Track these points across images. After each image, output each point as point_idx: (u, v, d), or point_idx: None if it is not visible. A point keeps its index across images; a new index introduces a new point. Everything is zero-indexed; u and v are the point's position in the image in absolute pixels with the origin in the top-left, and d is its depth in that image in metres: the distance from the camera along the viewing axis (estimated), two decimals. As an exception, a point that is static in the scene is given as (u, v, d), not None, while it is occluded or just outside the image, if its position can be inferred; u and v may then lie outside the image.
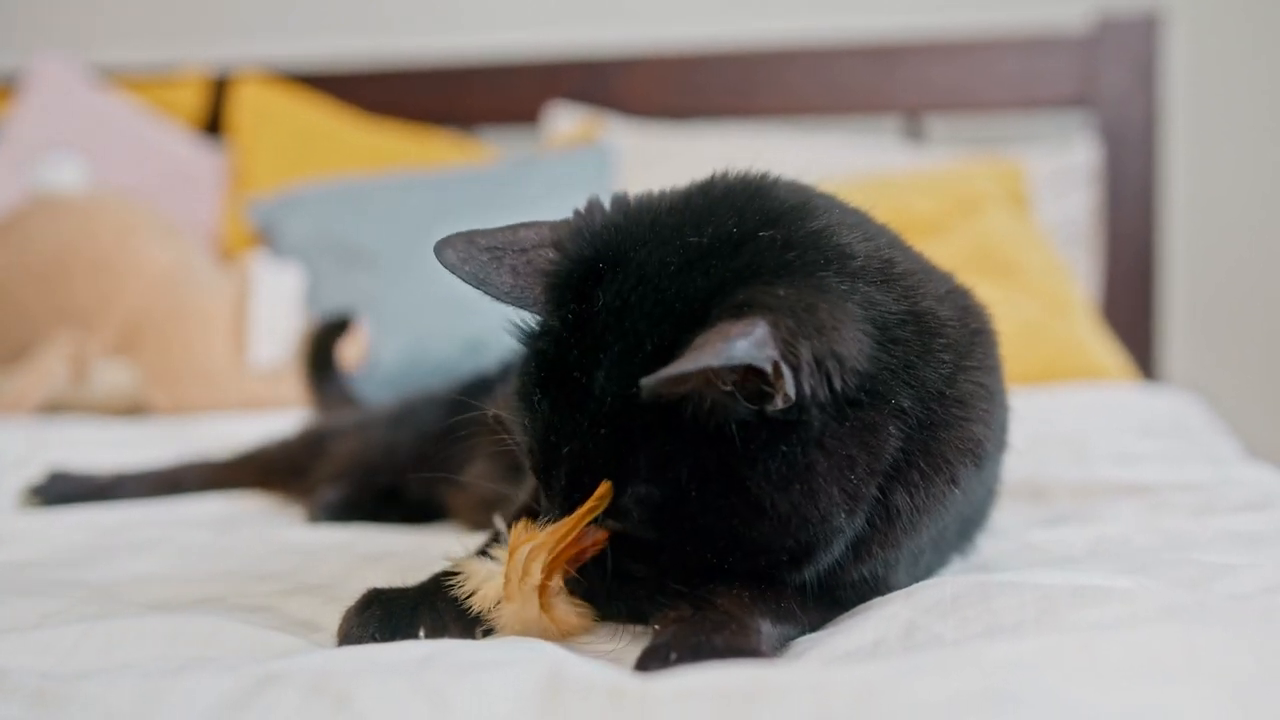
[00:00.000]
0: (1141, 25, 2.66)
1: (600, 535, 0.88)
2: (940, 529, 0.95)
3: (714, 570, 0.84)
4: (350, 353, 2.35)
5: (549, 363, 0.85)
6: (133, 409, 2.28)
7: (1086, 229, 2.68)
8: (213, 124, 3.05)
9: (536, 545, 0.85)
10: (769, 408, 0.78)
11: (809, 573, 0.85)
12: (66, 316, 2.28)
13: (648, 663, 0.75)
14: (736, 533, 0.81)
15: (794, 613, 0.87)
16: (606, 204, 0.92)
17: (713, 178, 0.93)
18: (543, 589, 0.86)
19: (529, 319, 0.90)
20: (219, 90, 3.05)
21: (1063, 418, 1.83)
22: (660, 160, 2.61)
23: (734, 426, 0.79)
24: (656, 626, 0.82)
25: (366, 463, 1.53)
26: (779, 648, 0.85)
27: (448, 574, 0.89)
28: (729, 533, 0.82)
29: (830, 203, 0.93)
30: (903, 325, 0.86)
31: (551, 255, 0.89)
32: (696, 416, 0.79)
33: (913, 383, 0.85)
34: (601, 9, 3.07)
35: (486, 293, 0.88)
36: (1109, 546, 1.12)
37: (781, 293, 0.79)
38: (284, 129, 2.93)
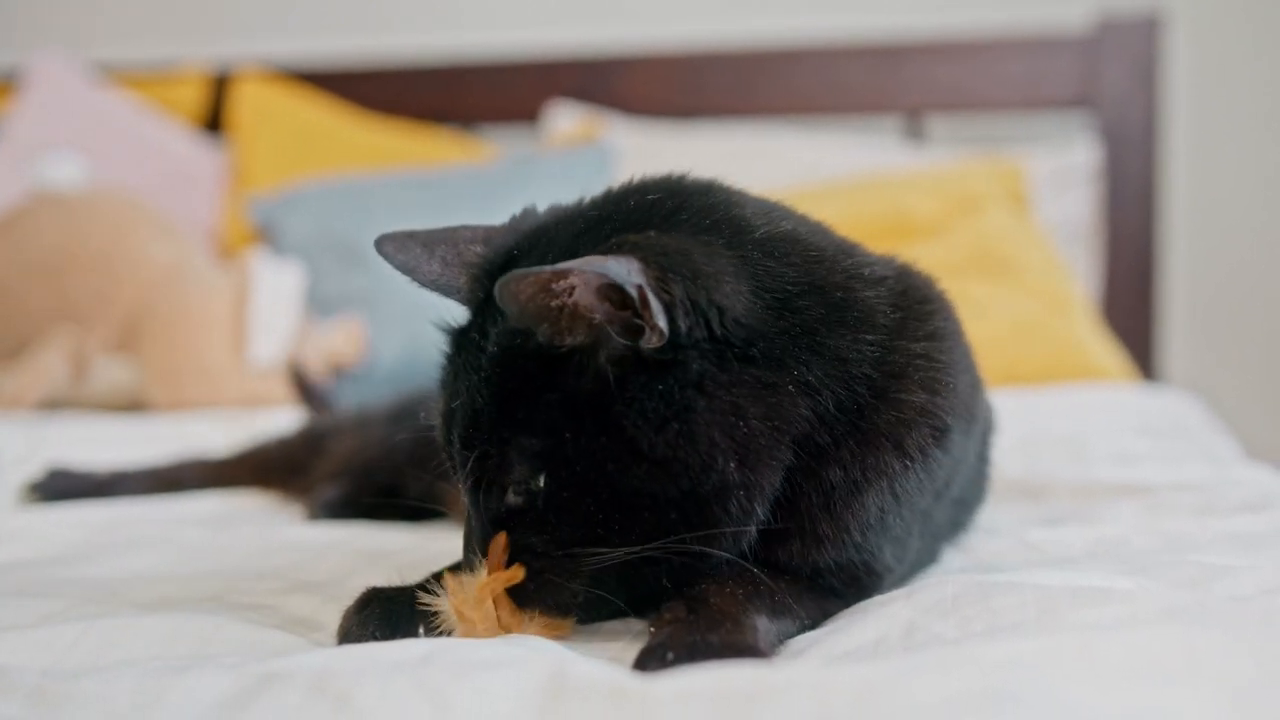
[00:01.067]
0: (1142, 26, 2.66)
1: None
2: (922, 509, 0.94)
3: (609, 534, 0.83)
4: (348, 352, 2.36)
5: (456, 336, 0.92)
6: (132, 406, 2.28)
7: (1087, 229, 2.68)
8: (213, 122, 3.05)
9: (474, 600, 0.86)
10: (642, 344, 0.80)
11: (728, 544, 0.84)
12: (66, 314, 2.28)
13: (645, 663, 0.75)
14: (615, 481, 0.81)
15: (789, 607, 0.87)
16: (541, 210, 0.98)
17: (633, 176, 0.97)
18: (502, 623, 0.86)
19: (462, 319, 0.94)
20: (219, 88, 3.05)
21: (1062, 417, 1.83)
22: (661, 159, 2.58)
23: (610, 368, 0.81)
24: (652, 628, 0.82)
25: (365, 461, 1.53)
26: (777, 643, 0.85)
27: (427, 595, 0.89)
28: (610, 482, 0.82)
29: (739, 191, 0.95)
30: (804, 296, 0.87)
31: (479, 249, 0.94)
32: (579, 366, 0.82)
33: (822, 354, 0.86)
34: (602, 8, 3.07)
35: (414, 280, 0.93)
36: (1108, 547, 1.12)
37: (654, 235, 0.84)
38: (284, 127, 2.93)
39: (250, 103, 2.96)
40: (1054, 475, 1.44)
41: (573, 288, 0.78)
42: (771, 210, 0.93)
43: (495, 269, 0.91)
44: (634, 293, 0.77)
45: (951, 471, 0.97)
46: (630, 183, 0.95)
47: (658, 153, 2.66)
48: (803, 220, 0.96)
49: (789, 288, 0.86)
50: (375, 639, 0.83)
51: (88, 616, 0.90)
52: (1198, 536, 1.11)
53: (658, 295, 0.78)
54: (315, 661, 0.71)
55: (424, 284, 0.93)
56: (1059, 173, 2.66)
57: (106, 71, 3.06)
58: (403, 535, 1.32)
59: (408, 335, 2.38)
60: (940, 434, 0.91)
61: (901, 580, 0.98)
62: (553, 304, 0.79)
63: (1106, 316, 2.59)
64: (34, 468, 1.64)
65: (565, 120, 2.90)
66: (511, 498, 0.85)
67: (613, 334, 0.80)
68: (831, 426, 0.86)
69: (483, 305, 0.90)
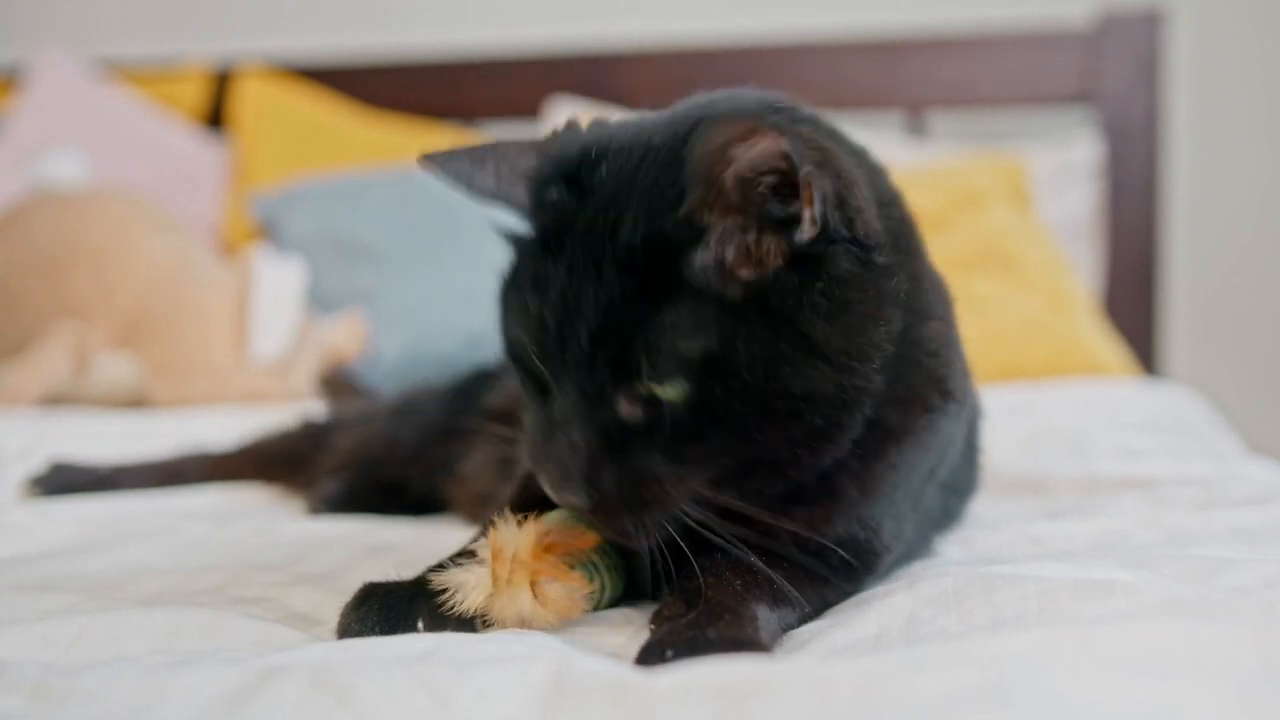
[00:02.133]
0: (1144, 21, 2.65)
1: (591, 537, 0.88)
2: (918, 487, 0.95)
3: (751, 445, 0.80)
4: (350, 348, 2.36)
5: (556, 231, 0.83)
6: (134, 402, 2.28)
7: (1088, 225, 2.68)
8: (215, 118, 3.04)
9: (521, 545, 0.84)
10: (798, 235, 0.78)
11: (827, 458, 0.83)
12: (68, 310, 2.28)
13: (647, 659, 0.75)
14: (787, 383, 0.78)
15: (789, 595, 0.86)
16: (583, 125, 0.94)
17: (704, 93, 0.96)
18: (533, 578, 0.85)
19: (516, 227, 0.89)
20: (221, 84, 3.05)
21: (1064, 413, 1.83)
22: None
23: (766, 260, 0.79)
24: (653, 624, 0.82)
25: (367, 455, 1.53)
26: (779, 633, 0.85)
27: (438, 574, 0.87)
28: (778, 386, 0.78)
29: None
30: (889, 207, 0.90)
31: (531, 160, 0.89)
32: (727, 258, 0.78)
33: (904, 267, 0.87)
34: (604, 3, 3.07)
35: (470, 190, 0.87)
36: (1110, 540, 1.12)
37: (805, 132, 0.83)
38: (286, 123, 2.92)
39: (252, 99, 2.95)
40: (1056, 470, 1.44)
41: (755, 143, 0.73)
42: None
43: (569, 172, 0.85)
44: (805, 176, 0.75)
45: (943, 450, 0.97)
46: (715, 93, 0.94)
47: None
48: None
49: (880, 196, 0.89)
50: (375, 634, 0.83)
51: (89, 611, 0.90)
52: (1200, 530, 1.11)
53: (818, 186, 0.77)
54: (316, 656, 0.71)
55: (479, 194, 0.87)
56: (1061, 168, 2.65)
57: (108, 68, 3.06)
58: (404, 530, 1.32)
59: (409, 331, 2.38)
60: (947, 397, 0.93)
61: (895, 565, 0.98)
62: (716, 169, 0.75)
63: (1108, 312, 2.59)
64: (35, 463, 1.64)
65: (566, 115, 2.89)
66: (628, 411, 0.80)
67: (768, 213, 0.77)
68: (898, 350, 0.86)
69: (579, 202, 0.83)
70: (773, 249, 0.79)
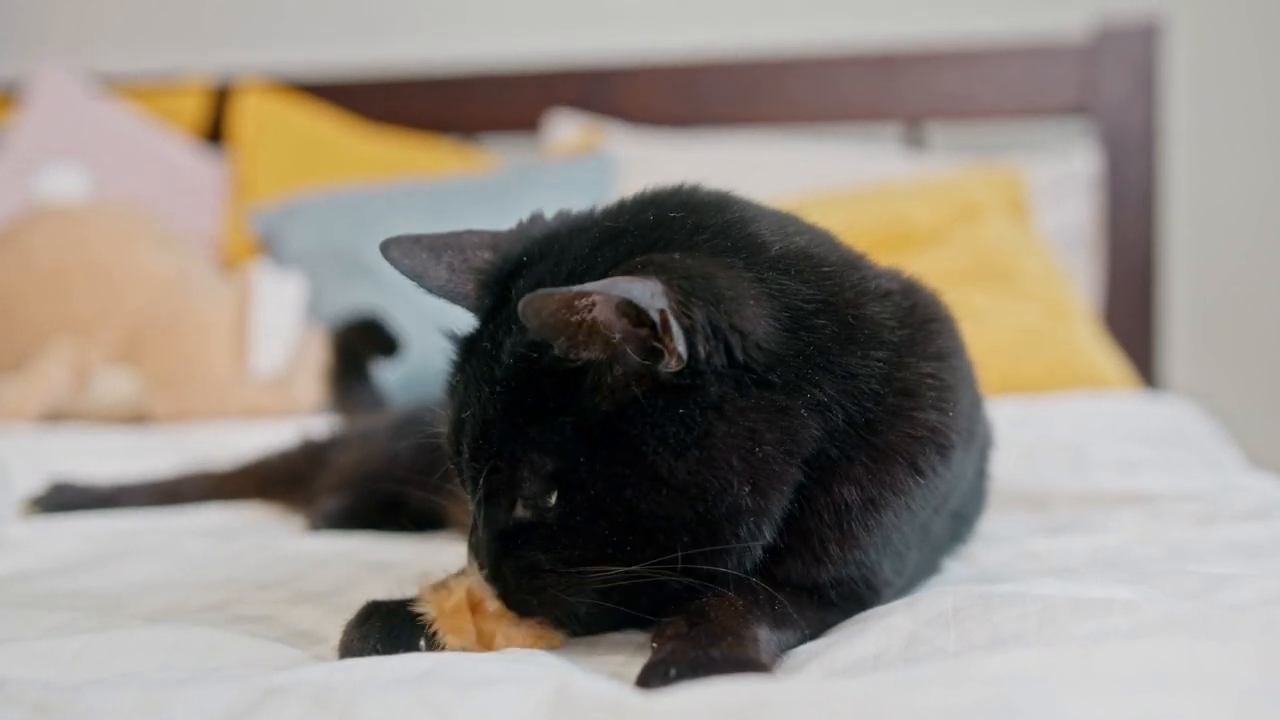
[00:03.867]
0: (1142, 33, 2.66)
1: None
2: (921, 523, 0.95)
3: (619, 554, 0.82)
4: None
5: (467, 345, 0.91)
6: (134, 417, 2.28)
7: (1087, 236, 2.68)
8: (214, 132, 3.05)
9: (455, 608, 0.87)
10: (660, 368, 0.79)
11: (734, 564, 0.84)
12: (67, 325, 2.29)
13: (648, 679, 0.75)
14: (632, 505, 0.81)
15: (790, 617, 0.87)
16: (549, 215, 0.97)
17: (645, 187, 0.96)
18: (488, 635, 0.87)
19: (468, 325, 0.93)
20: (221, 99, 3.06)
21: (1063, 425, 1.83)
22: (661, 169, 2.58)
23: (628, 389, 0.80)
24: (654, 643, 0.82)
25: (367, 473, 1.52)
26: (779, 654, 0.85)
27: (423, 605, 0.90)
28: (625, 506, 0.81)
29: (752, 204, 0.95)
30: (818, 314, 0.87)
31: (487, 255, 0.93)
32: (594, 384, 0.81)
33: (834, 372, 0.86)
34: (602, 17, 3.08)
35: (421, 285, 0.92)
36: (1109, 556, 1.12)
37: (679, 257, 0.83)
38: (286, 138, 2.93)
39: (251, 113, 2.96)
40: (1055, 484, 1.43)
41: (594, 304, 0.77)
42: (784, 224, 0.93)
43: (504, 276, 0.91)
44: (655, 317, 0.77)
45: (951, 486, 0.97)
46: (644, 194, 0.94)
47: (658, 162, 2.66)
48: (812, 232, 0.95)
49: (804, 306, 0.86)
50: (376, 653, 0.83)
51: (90, 628, 0.90)
52: (1199, 545, 1.11)
53: (679, 320, 0.78)
54: (317, 675, 0.71)
55: (431, 290, 0.92)
56: (1059, 180, 2.66)
57: (108, 82, 3.07)
58: (405, 546, 1.32)
59: (409, 347, 2.38)
60: (945, 451, 0.91)
61: (900, 593, 0.98)
62: (572, 319, 0.78)
63: (1107, 324, 2.59)
64: (36, 480, 1.64)
65: (565, 130, 2.90)
66: (520, 512, 0.84)
67: (630, 352, 0.79)
68: (842, 441, 0.86)
69: (492, 313, 0.89)
70: (634, 381, 0.80)
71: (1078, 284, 2.57)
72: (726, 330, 0.80)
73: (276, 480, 1.64)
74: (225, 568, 1.20)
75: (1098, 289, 2.66)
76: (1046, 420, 1.85)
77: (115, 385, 2.27)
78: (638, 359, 0.79)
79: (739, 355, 0.81)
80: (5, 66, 3.26)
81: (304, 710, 0.65)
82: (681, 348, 0.78)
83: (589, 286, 0.76)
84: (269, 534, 1.47)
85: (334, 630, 0.90)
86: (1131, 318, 2.64)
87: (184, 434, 2.12)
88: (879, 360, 0.88)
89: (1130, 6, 2.72)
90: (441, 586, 0.90)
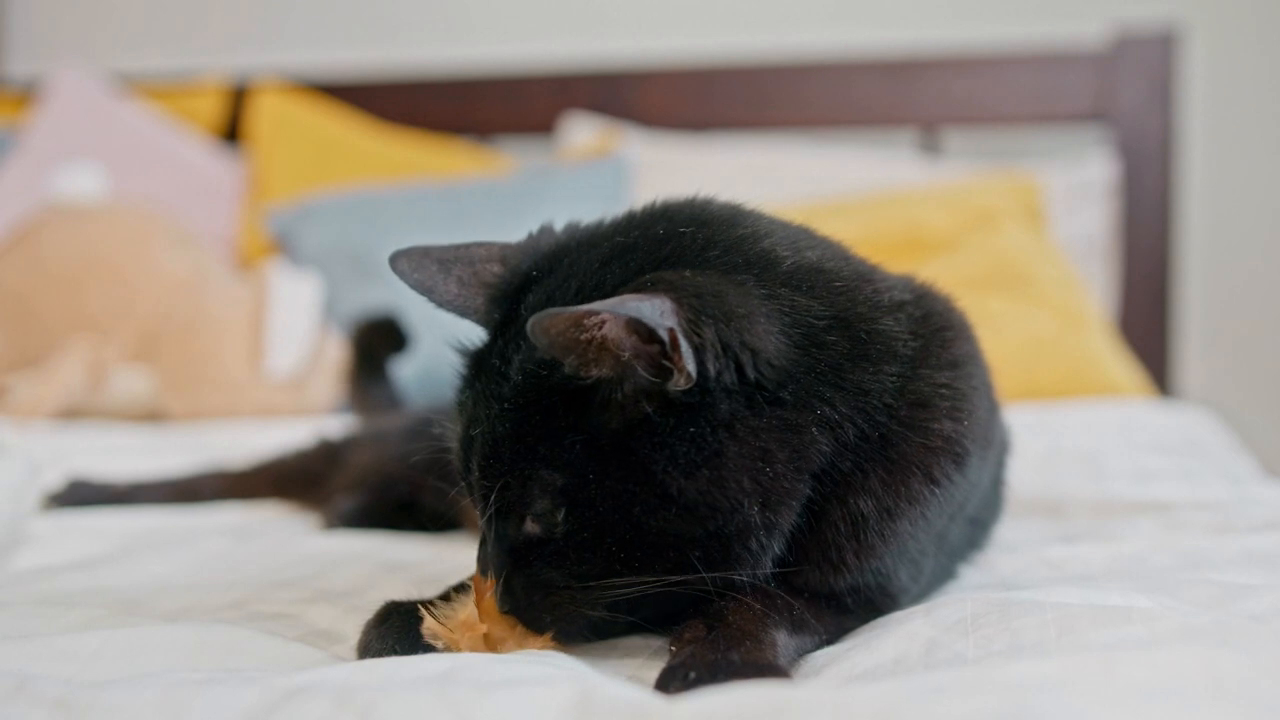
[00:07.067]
0: (1159, 41, 2.66)
1: None
2: (938, 531, 0.95)
3: (629, 569, 0.82)
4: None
5: (476, 359, 0.90)
6: (150, 416, 2.29)
7: (1102, 244, 2.68)
8: (231, 133, 3.07)
9: (462, 624, 0.87)
10: (670, 386, 0.79)
11: (745, 578, 0.84)
12: (84, 324, 2.30)
13: (667, 683, 0.75)
14: (641, 522, 0.81)
15: (808, 622, 0.87)
16: (558, 227, 0.97)
17: (656, 199, 0.96)
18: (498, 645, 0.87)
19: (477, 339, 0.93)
20: (238, 99, 3.07)
21: (1078, 433, 1.83)
22: (676, 172, 2.62)
23: (638, 407, 0.80)
24: (673, 647, 0.82)
25: (382, 473, 1.53)
26: (796, 658, 0.85)
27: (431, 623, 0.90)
28: (634, 523, 0.81)
29: (764, 217, 0.94)
30: (830, 330, 0.86)
31: (496, 269, 0.93)
32: (604, 401, 0.81)
33: (846, 388, 0.86)
34: (618, 21, 3.08)
35: (431, 300, 0.92)
36: (1127, 565, 1.11)
37: (689, 275, 0.83)
38: (302, 138, 2.94)
39: (268, 114, 2.97)
40: (1071, 492, 1.43)
41: (603, 322, 0.77)
42: (796, 238, 0.93)
43: (514, 291, 0.90)
44: (665, 335, 0.77)
45: (967, 494, 0.97)
46: (654, 207, 0.94)
47: (673, 166, 2.67)
48: (825, 245, 0.95)
49: (815, 322, 0.86)
50: (395, 653, 0.84)
51: (110, 626, 0.91)
52: (1216, 555, 1.11)
53: (689, 338, 0.78)
54: (338, 676, 0.71)
55: (440, 304, 0.92)
56: (1075, 188, 2.65)
57: (125, 83, 3.08)
58: (421, 547, 1.32)
59: (424, 348, 2.38)
60: (960, 459, 0.91)
61: (917, 599, 0.98)
62: (582, 337, 0.77)
63: (1122, 332, 2.59)
64: (53, 477, 1.64)
65: (580, 132, 2.90)
66: (530, 528, 0.85)
67: (640, 370, 0.79)
68: (855, 454, 0.86)
69: (501, 328, 0.89)
70: (644, 399, 0.80)
71: (1093, 291, 2.57)
72: (737, 348, 0.80)
73: (292, 479, 1.65)
74: (243, 566, 1.21)
75: (1113, 296, 2.66)
76: (1061, 428, 1.85)
77: (131, 384, 2.28)
78: (648, 377, 0.79)
79: (750, 373, 0.81)
80: (23, 66, 3.27)
81: (325, 711, 0.65)
82: (691, 366, 0.78)
83: (598, 305, 0.76)
84: (286, 533, 1.47)
85: (352, 630, 0.90)
86: (1146, 325, 2.64)
87: (199, 433, 2.13)
88: (892, 374, 0.88)
89: (1147, 14, 2.71)
90: (444, 606, 0.90)
